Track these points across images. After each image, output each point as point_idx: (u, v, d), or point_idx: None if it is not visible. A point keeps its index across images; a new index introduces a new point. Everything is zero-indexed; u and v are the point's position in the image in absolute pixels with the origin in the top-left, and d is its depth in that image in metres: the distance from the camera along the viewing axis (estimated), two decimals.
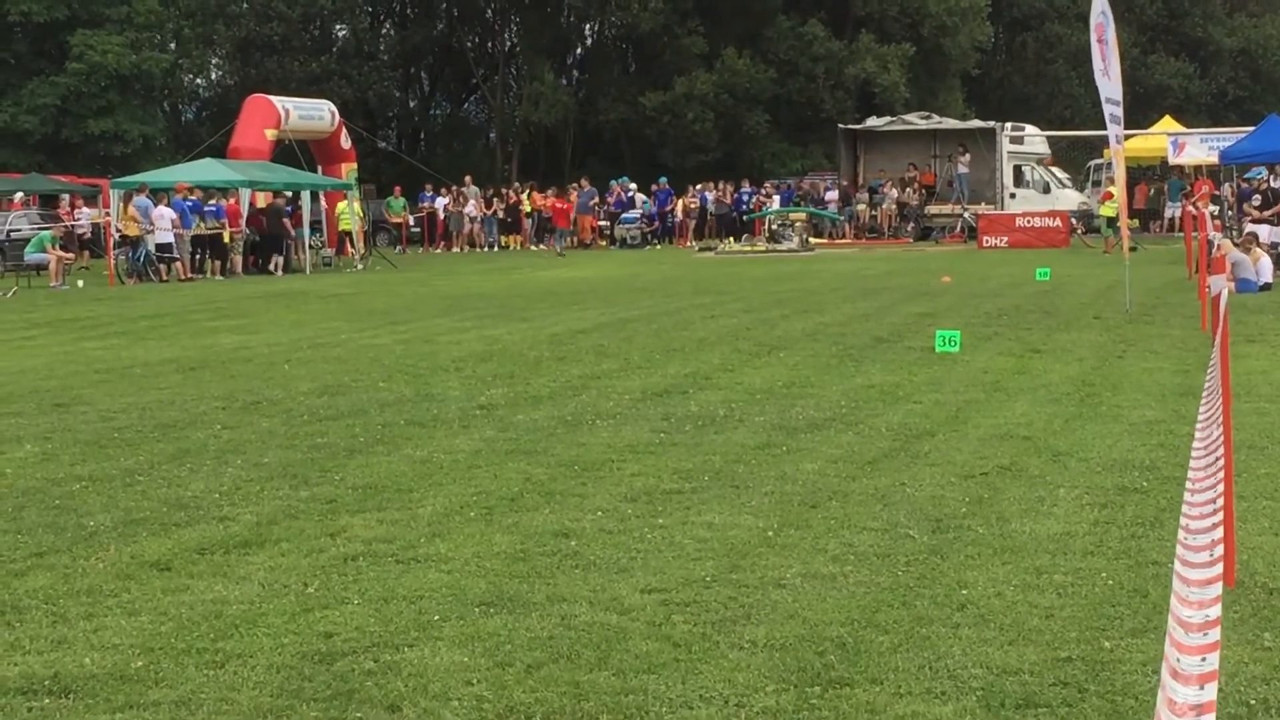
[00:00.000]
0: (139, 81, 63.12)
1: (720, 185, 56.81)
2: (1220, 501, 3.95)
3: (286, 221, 41.90)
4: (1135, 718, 5.55)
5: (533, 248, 53.91)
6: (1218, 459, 4.56)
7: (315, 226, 44.99)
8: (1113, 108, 22.63)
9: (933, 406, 13.19)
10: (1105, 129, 23.49)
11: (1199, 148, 48.98)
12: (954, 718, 5.60)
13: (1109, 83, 22.59)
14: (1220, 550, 3.65)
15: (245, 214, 40.93)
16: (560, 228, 49.93)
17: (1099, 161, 54.47)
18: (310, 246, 43.65)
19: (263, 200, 43.13)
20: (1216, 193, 45.43)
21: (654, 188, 55.84)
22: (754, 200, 54.88)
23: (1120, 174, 25.04)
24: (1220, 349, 6.30)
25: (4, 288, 34.43)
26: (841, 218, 53.47)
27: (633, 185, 55.80)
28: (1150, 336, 18.47)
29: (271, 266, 40.88)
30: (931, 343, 17.55)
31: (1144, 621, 6.62)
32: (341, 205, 45.68)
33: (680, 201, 56.34)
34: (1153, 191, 53.48)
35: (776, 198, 54.46)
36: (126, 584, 7.68)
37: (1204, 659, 3.19)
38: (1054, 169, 55.16)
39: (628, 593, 7.32)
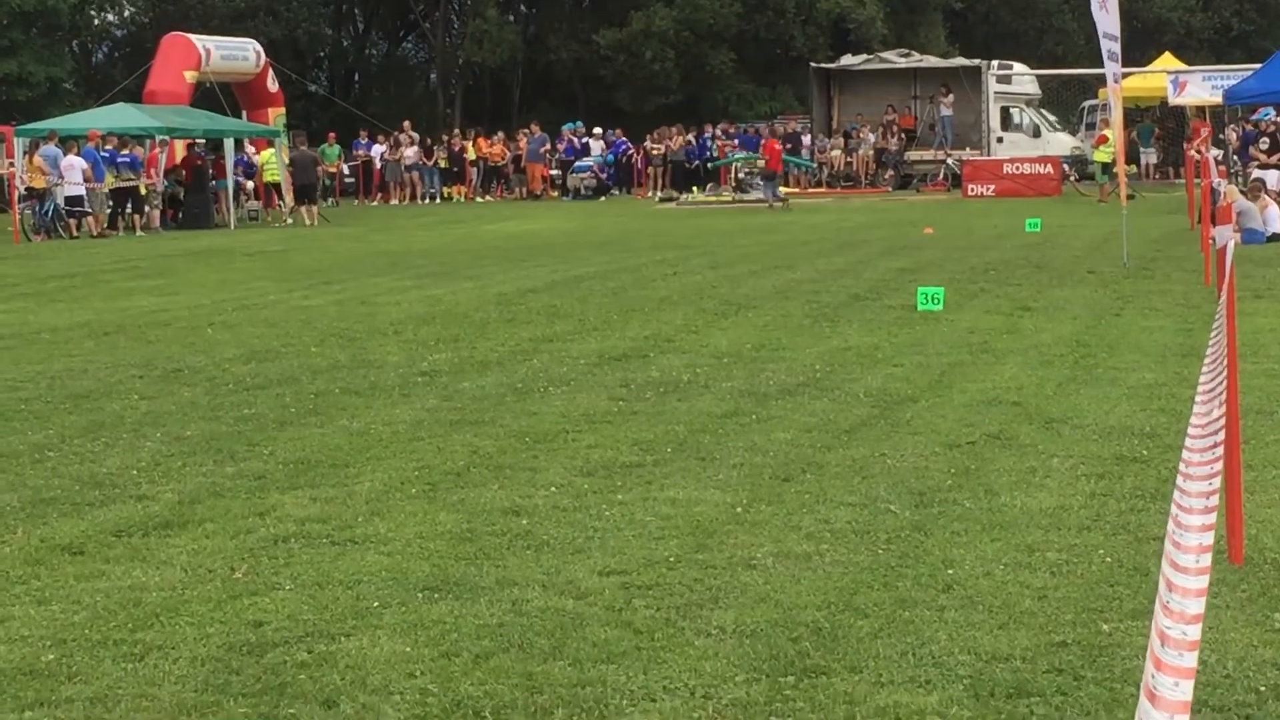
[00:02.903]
0: (44, 19, 62.50)
1: (673, 130, 56.43)
2: (1215, 499, 3.92)
3: (319, 169, 44.05)
4: (1134, 706, 5.55)
5: (478, 199, 53.76)
6: (1217, 444, 4.53)
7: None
8: (1110, 44, 22.62)
9: (915, 370, 13.20)
10: (1099, 67, 23.48)
11: (1201, 86, 49.01)
12: (939, 708, 5.61)
13: (1106, 16, 22.57)
14: (1208, 560, 3.61)
15: (162, 163, 40.79)
16: (773, 170, 46.10)
17: (1093, 102, 54.50)
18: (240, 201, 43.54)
19: (182, 149, 42.93)
20: (1220, 136, 45.54)
21: (608, 137, 55.68)
22: (716, 146, 54.76)
23: (1118, 116, 25.06)
24: (1226, 305, 6.30)
25: None
26: (814, 165, 53.43)
27: (597, 130, 55.57)
28: (1150, 292, 18.53)
29: (299, 218, 42.23)
30: (913, 301, 17.57)
31: (1144, 602, 6.62)
32: (268, 154, 45.44)
33: (641, 148, 56.08)
34: (1134, 134, 53.46)
35: (736, 145, 53.94)
36: (35, 570, 7.64)
37: (1177, 684, 3.17)
38: (1043, 111, 55.24)
39: (584, 575, 7.31)
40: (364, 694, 5.86)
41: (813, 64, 57.36)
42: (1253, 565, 7.15)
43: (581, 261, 25.41)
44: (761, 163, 46.87)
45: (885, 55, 56.91)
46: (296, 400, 12.42)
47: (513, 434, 10.82)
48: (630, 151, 56.11)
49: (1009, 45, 70.09)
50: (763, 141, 49.27)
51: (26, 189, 38.22)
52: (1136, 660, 5.95)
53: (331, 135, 55.56)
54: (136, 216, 39.36)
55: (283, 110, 50.92)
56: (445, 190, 54.42)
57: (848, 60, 56.56)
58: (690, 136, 55.47)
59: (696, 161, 54.20)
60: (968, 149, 51.66)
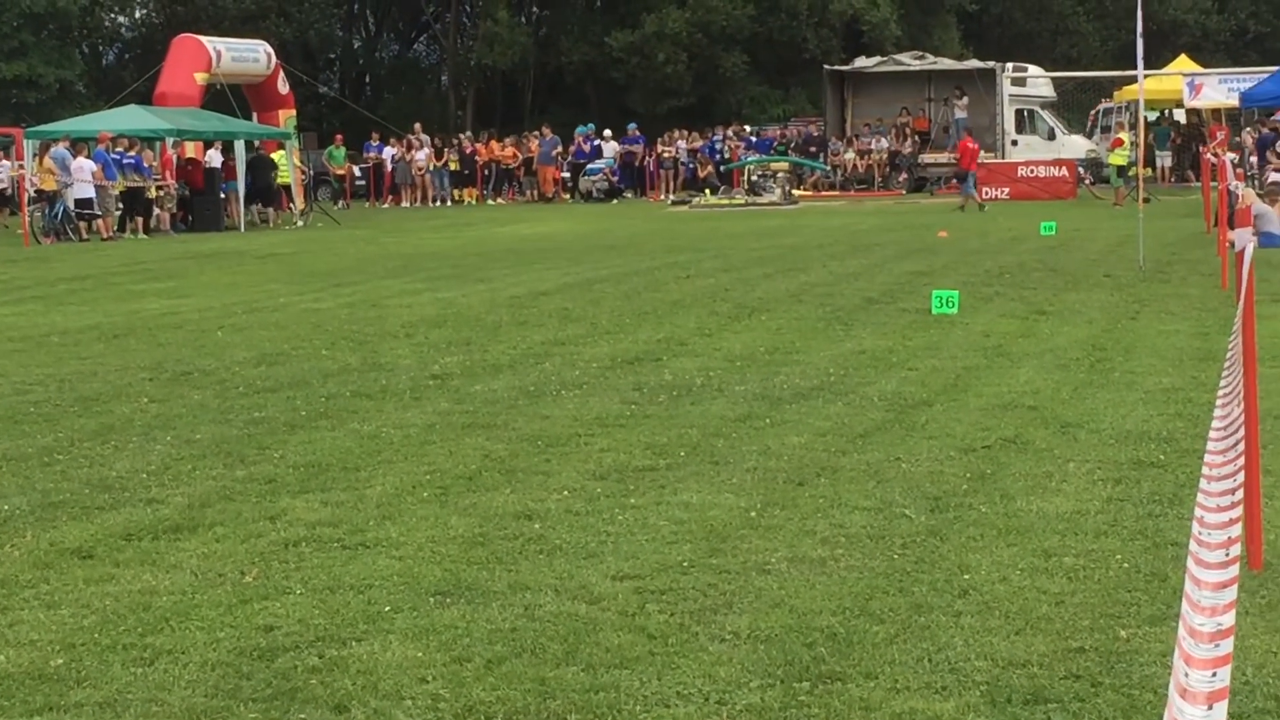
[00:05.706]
0: (54, 20, 62.67)
1: (680, 133, 56.52)
2: (1239, 494, 3.91)
3: (274, 172, 43.76)
4: (1153, 712, 5.54)
5: (489, 202, 53.76)
6: (1238, 441, 4.51)
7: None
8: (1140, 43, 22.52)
9: (929, 373, 13.19)
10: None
11: (1217, 89, 48.99)
12: (956, 715, 5.59)
13: (1139, 15, 22.41)
14: (1236, 550, 3.60)
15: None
16: (968, 170, 43.71)
17: (1108, 105, 54.47)
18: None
19: (192, 150, 43.01)
20: (1236, 139, 45.49)
21: (606, 136, 55.84)
22: (726, 149, 54.76)
23: (1140, 117, 25.03)
24: (1244, 309, 6.28)
25: None
26: (827, 168, 53.47)
27: (608, 132, 55.61)
28: (1166, 296, 18.51)
29: (260, 218, 42.85)
30: (927, 304, 17.56)
31: (1163, 608, 6.61)
32: (278, 155, 45.48)
33: (653, 151, 56.08)
34: (1150, 137, 53.41)
35: (747, 148, 54.10)
36: (44, 573, 7.63)
37: (1214, 674, 3.15)
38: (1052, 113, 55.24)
39: (597, 580, 7.29)
40: (375, 699, 5.84)
41: (826, 66, 57.38)
42: (1272, 570, 7.12)
43: (594, 264, 25.42)
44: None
45: (899, 57, 56.95)
46: (307, 403, 12.42)
47: (525, 438, 10.81)
48: (639, 151, 56.07)
49: (1023, 47, 70.00)
50: (963, 144, 47.64)
51: (36, 191, 38.28)
52: (1154, 666, 5.93)
53: (338, 137, 55.74)
54: (141, 219, 39.34)
55: (293, 112, 50.97)
56: (456, 193, 54.46)
57: (861, 62, 56.59)
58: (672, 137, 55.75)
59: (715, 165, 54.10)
60: (982, 152, 51.64)
